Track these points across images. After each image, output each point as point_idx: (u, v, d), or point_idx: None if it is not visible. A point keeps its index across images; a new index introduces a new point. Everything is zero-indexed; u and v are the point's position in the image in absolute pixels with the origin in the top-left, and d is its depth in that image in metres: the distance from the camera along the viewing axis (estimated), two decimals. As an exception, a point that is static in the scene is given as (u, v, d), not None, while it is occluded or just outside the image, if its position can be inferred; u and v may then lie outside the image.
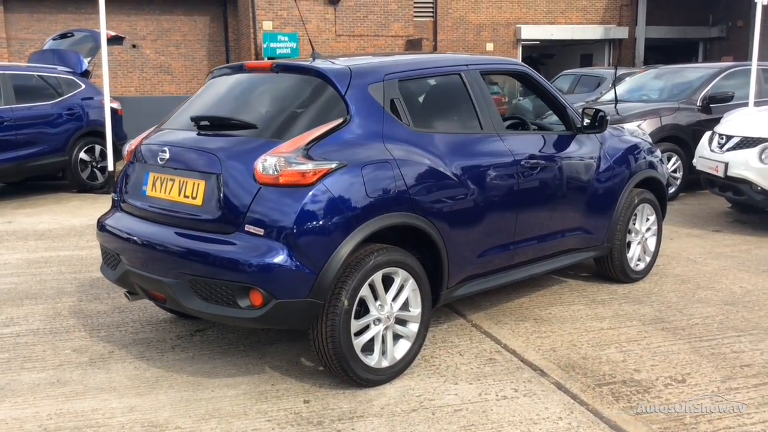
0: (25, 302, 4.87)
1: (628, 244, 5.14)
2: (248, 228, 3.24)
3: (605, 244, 4.94)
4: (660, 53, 23.01)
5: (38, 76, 9.54)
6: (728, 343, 4.07)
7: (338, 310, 3.28)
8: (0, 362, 3.85)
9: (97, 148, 9.80)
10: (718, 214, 7.87)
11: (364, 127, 3.52)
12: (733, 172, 6.86)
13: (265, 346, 4.03)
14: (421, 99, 4.22)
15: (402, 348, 3.62)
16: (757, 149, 6.71)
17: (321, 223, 3.23)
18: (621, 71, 12.67)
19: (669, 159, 8.57)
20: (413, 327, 3.65)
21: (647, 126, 8.26)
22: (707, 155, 7.33)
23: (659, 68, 10.92)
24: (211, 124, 3.70)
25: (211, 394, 3.45)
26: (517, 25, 21.73)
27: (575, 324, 4.38)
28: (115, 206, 4.01)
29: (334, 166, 3.30)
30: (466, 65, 4.20)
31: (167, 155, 3.60)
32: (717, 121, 7.94)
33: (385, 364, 3.53)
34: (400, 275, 3.52)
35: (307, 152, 3.27)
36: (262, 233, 3.21)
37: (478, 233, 3.94)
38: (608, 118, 4.80)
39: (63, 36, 11.06)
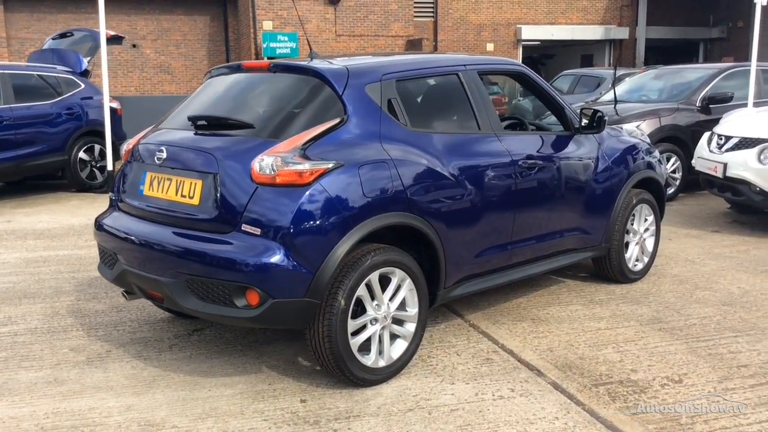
0: (23, 301, 4.87)
1: (626, 245, 5.14)
2: (245, 228, 3.24)
3: (603, 244, 4.94)
4: (660, 54, 22.99)
5: (38, 75, 9.55)
6: (725, 343, 4.07)
7: (335, 310, 3.28)
8: (-3, 361, 3.86)
9: (97, 147, 9.81)
10: (717, 214, 7.87)
11: (362, 127, 3.52)
12: (731, 172, 6.86)
13: (263, 346, 4.03)
14: (418, 99, 4.22)
15: (399, 348, 3.62)
16: (755, 150, 6.71)
17: (318, 222, 3.24)
18: (620, 72, 12.67)
19: (668, 159, 8.57)
20: (410, 327, 3.65)
21: (646, 126, 8.26)
22: (706, 156, 7.33)
23: (659, 69, 10.92)
24: (208, 124, 3.70)
25: (208, 394, 3.45)
26: (518, 26, 21.72)
27: (573, 324, 4.38)
28: (113, 206, 4.02)
29: (330, 166, 3.30)
30: (464, 65, 4.20)
31: (164, 155, 3.60)
32: (716, 121, 7.94)
33: (382, 363, 3.53)
34: (397, 275, 3.53)
35: (304, 152, 3.27)
36: (258, 233, 3.21)
37: (475, 233, 3.95)
38: (606, 118, 4.80)
39: (62, 35, 11.07)
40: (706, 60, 23.46)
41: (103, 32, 9.31)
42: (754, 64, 8.98)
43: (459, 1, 21.08)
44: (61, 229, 7.26)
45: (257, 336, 4.17)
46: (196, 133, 3.69)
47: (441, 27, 21.06)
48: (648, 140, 5.62)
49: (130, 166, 3.94)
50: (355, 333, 3.42)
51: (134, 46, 19.49)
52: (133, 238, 3.63)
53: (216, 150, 3.44)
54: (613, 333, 4.23)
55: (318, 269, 3.22)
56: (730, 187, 7.02)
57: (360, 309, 3.44)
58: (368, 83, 3.65)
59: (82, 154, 9.67)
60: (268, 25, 18.79)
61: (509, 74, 5.06)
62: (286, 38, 18.43)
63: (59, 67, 9.92)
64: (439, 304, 3.98)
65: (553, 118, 5.08)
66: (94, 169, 9.86)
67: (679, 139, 8.65)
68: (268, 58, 16.63)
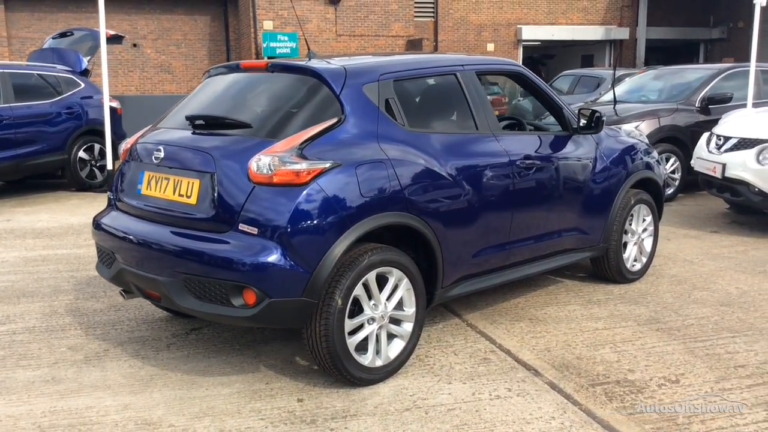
0: (21, 300, 4.88)
1: (625, 245, 5.14)
2: (242, 227, 3.25)
3: (601, 244, 4.94)
4: (661, 54, 23.00)
5: (38, 74, 9.56)
6: (723, 343, 4.07)
7: (332, 309, 3.29)
8: (-5, 360, 3.86)
9: (96, 146, 9.81)
10: (716, 215, 7.87)
11: (359, 127, 3.52)
12: (730, 173, 6.86)
13: (260, 345, 4.04)
14: (416, 99, 4.22)
15: (396, 347, 3.62)
16: (754, 150, 6.71)
17: (315, 222, 3.24)
18: (620, 72, 12.67)
19: (667, 160, 8.57)
20: (407, 326, 3.65)
21: (646, 127, 8.26)
22: (705, 156, 7.33)
23: (658, 69, 10.92)
24: (206, 123, 3.70)
25: (205, 393, 3.45)
26: (518, 26, 21.73)
27: (570, 324, 4.38)
28: (111, 205, 4.03)
29: (328, 165, 3.30)
30: (462, 65, 4.20)
31: (162, 154, 3.60)
32: (715, 122, 7.93)
33: (379, 363, 3.53)
34: (394, 275, 3.53)
35: (302, 152, 3.27)
36: (256, 232, 3.22)
37: (473, 233, 3.95)
38: (604, 118, 4.80)
39: (62, 35, 11.09)
40: (707, 61, 23.46)
41: (103, 31, 9.32)
42: (753, 64, 8.98)
43: (459, 1, 21.09)
44: (60, 228, 7.27)
45: (255, 335, 4.17)
46: (193, 133, 3.70)
47: (441, 27, 21.07)
48: (646, 140, 5.63)
49: (128, 165, 3.95)
50: (352, 332, 3.42)
51: (135, 45, 19.51)
52: (130, 237, 3.63)
53: (213, 149, 3.45)
54: (610, 333, 4.23)
55: (315, 269, 3.23)
56: (728, 187, 7.02)
57: (357, 308, 3.44)
58: (366, 83, 3.65)
59: (81, 154, 9.68)
60: (268, 25, 18.81)
61: (507, 74, 5.07)
62: (286, 38, 18.44)
63: (59, 67, 9.93)
64: (436, 304, 3.98)
65: (552, 119, 5.08)
66: (93, 168, 9.87)
67: (679, 140, 8.65)
68: (268, 58, 16.66)
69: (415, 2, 20.40)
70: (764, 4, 8.70)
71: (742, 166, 6.75)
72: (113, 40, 10.46)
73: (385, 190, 3.47)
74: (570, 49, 24.04)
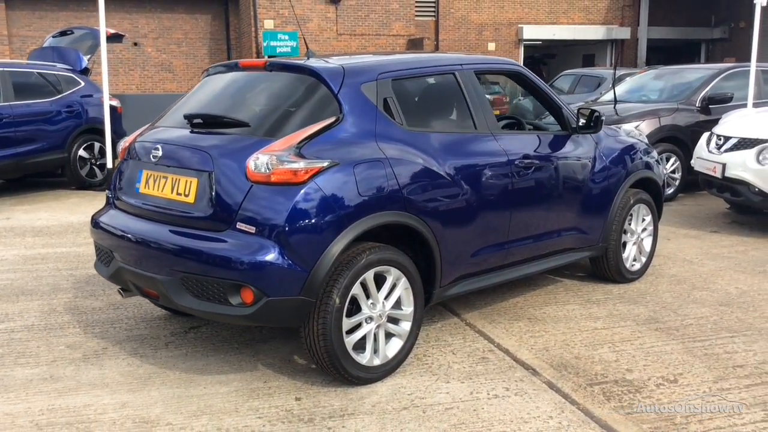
0: (20, 298, 4.88)
1: (624, 245, 5.14)
2: (240, 226, 3.24)
3: (600, 244, 4.94)
4: (662, 54, 22.98)
5: (38, 73, 9.56)
6: (722, 343, 4.07)
7: (330, 308, 3.28)
8: (-6, 358, 3.87)
9: (96, 145, 9.81)
10: (716, 215, 7.86)
11: (357, 126, 3.52)
12: (730, 173, 6.85)
13: (259, 344, 4.04)
14: (415, 98, 4.21)
15: (394, 346, 3.62)
16: (754, 150, 6.71)
17: (312, 221, 3.24)
18: (621, 72, 12.66)
19: (667, 160, 8.56)
20: (405, 325, 3.65)
21: (646, 126, 8.25)
22: (705, 156, 7.32)
23: (659, 69, 10.91)
24: (204, 122, 3.71)
25: (203, 391, 3.45)
26: (519, 25, 21.72)
27: (569, 324, 4.38)
28: (109, 203, 4.02)
29: (326, 164, 3.30)
30: (461, 65, 4.20)
31: (160, 153, 3.60)
32: (716, 122, 7.93)
33: (376, 362, 3.53)
34: (392, 274, 3.53)
35: (299, 150, 3.27)
36: (253, 231, 3.22)
37: (471, 232, 3.95)
38: (603, 118, 4.79)
39: (63, 33, 11.09)
40: (708, 60, 23.45)
41: (103, 30, 9.32)
42: (753, 64, 8.97)
43: (460, 0, 21.07)
44: (59, 227, 7.27)
45: (253, 334, 4.17)
46: (191, 132, 3.70)
47: (442, 26, 21.06)
48: (646, 140, 5.62)
49: (126, 164, 3.95)
50: (350, 331, 3.42)
51: (136, 44, 19.53)
52: (129, 235, 3.63)
53: (211, 148, 3.45)
54: (609, 333, 4.23)
55: (313, 267, 3.22)
56: (728, 187, 7.01)
57: (355, 307, 3.44)
58: (364, 82, 3.65)
59: (81, 152, 9.68)
60: (269, 24, 18.81)
61: (506, 74, 5.06)
62: (286, 37, 18.45)
63: (59, 65, 9.93)
64: (435, 303, 3.98)
65: (551, 118, 5.08)
66: (93, 166, 9.88)
67: (679, 140, 8.64)
68: (268, 57, 16.65)
69: (416, 1, 20.40)
70: (765, 4, 8.70)
71: (742, 166, 6.75)
72: (113, 38, 10.46)
73: (383, 189, 3.46)
74: (571, 48, 24.03)
